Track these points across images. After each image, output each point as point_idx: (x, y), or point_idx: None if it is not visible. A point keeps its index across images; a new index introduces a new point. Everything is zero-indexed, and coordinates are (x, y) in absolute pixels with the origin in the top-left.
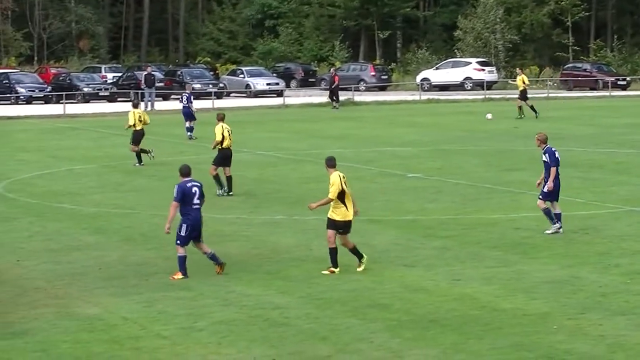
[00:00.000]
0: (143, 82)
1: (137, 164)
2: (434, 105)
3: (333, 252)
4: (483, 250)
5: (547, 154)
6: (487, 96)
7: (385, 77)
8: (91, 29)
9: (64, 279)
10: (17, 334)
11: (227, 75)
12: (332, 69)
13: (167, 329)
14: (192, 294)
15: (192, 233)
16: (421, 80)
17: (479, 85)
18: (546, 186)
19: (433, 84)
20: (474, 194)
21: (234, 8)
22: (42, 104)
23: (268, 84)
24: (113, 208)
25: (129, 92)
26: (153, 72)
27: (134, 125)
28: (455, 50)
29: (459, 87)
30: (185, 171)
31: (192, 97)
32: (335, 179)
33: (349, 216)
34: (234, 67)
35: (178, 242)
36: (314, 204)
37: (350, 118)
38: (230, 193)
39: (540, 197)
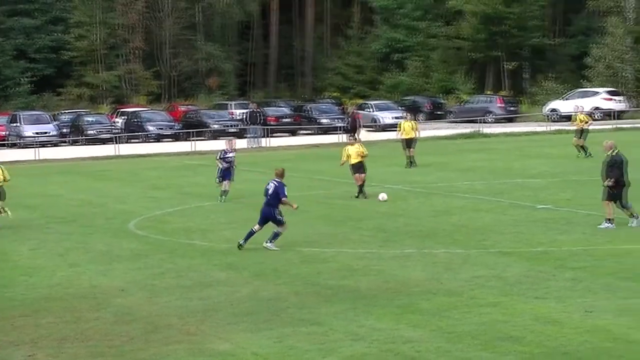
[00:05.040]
0: (247, 119)
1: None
2: (563, 136)
3: None
4: (616, 282)
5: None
6: (616, 126)
7: (514, 108)
8: (219, 66)
9: (195, 315)
10: None
11: (355, 109)
12: (351, 108)
13: None
14: (323, 329)
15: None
16: (549, 111)
17: (608, 115)
18: None
19: (562, 114)
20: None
21: (360, 43)
22: (171, 141)
23: (395, 118)
24: None
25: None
26: (257, 110)
27: None
28: (583, 80)
29: (591, 117)
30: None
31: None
32: None
33: None
34: (361, 101)
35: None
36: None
37: (478, 150)
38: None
39: None
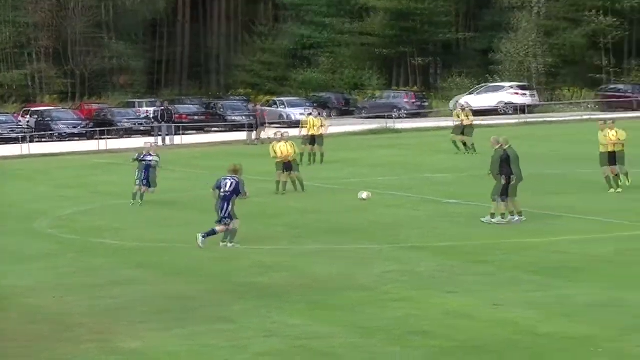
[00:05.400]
0: (159, 117)
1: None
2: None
3: None
4: (524, 275)
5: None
6: (525, 120)
7: (424, 103)
8: (129, 65)
9: (106, 314)
10: None
11: (264, 106)
12: (256, 104)
13: None
14: (235, 326)
15: None
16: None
17: (516, 109)
18: None
19: (470, 109)
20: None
21: (270, 40)
22: (81, 140)
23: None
24: (154, 242)
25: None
26: (168, 108)
27: None
28: (493, 75)
29: (497, 111)
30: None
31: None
32: None
33: None
34: (271, 98)
35: None
36: None
37: (389, 146)
38: None
39: None
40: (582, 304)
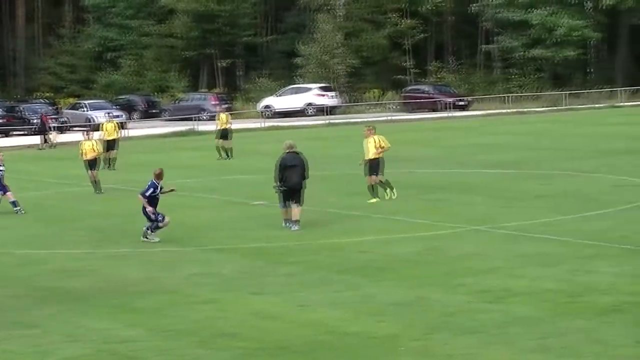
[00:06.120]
0: None
1: None
2: (277, 132)
3: None
4: (330, 275)
5: None
6: (330, 121)
7: (228, 105)
8: None
9: None
10: None
11: (69, 109)
12: (42, 110)
13: None
14: (38, 331)
15: None
16: (263, 108)
17: (321, 110)
18: None
19: (275, 110)
20: (319, 219)
21: (73, 42)
22: None
23: (111, 116)
24: None
25: None
26: None
27: None
28: (296, 77)
29: (302, 113)
30: None
31: None
32: None
33: None
34: (75, 100)
35: None
36: None
37: (194, 148)
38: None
39: None
40: (387, 303)
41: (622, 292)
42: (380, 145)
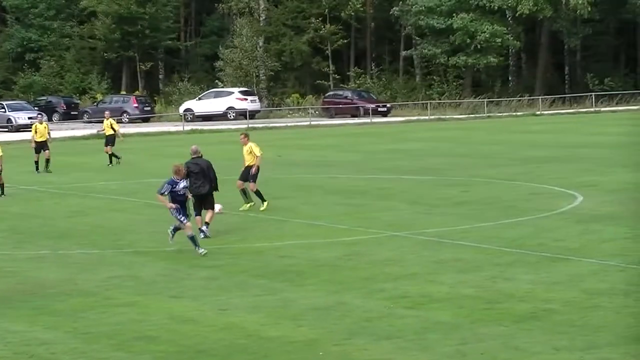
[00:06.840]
0: None
1: None
2: (198, 135)
3: None
4: (249, 279)
5: None
6: (250, 125)
7: (148, 108)
8: None
9: None
10: None
11: None
12: None
13: None
14: None
15: None
16: (184, 111)
17: (242, 114)
18: None
19: (196, 114)
20: (239, 223)
21: None
22: None
23: (30, 118)
24: None
25: None
26: None
27: None
28: (217, 81)
29: (223, 117)
30: None
31: None
32: None
33: None
34: None
35: None
36: None
37: (114, 150)
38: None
39: None
40: (307, 308)
41: (539, 299)
42: (250, 152)
